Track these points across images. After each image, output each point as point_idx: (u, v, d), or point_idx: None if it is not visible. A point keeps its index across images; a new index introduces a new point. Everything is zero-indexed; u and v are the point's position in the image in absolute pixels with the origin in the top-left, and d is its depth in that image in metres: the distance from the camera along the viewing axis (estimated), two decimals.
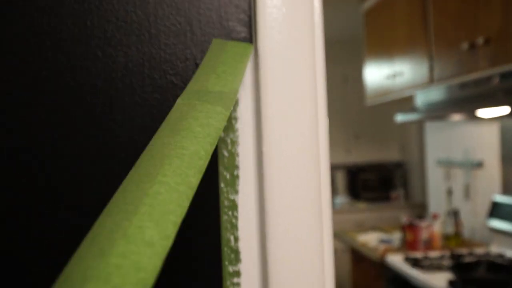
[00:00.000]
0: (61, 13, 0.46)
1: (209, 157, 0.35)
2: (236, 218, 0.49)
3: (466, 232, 3.00)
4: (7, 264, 0.45)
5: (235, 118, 0.50)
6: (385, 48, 2.93)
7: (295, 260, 0.48)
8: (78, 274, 0.24)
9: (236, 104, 0.50)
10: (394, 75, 2.79)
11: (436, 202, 3.40)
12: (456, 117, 2.36)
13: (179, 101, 0.41)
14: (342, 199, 4.65)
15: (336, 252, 4.09)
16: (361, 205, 4.57)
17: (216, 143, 0.37)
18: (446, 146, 3.27)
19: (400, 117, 2.77)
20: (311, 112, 0.49)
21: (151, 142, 0.37)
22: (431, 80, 2.38)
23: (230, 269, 0.49)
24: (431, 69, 2.38)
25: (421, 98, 2.70)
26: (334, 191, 4.81)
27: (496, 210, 2.63)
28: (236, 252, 0.49)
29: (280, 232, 0.48)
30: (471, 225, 2.98)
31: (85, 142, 0.46)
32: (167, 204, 0.29)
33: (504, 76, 1.96)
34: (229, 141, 0.49)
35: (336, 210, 4.44)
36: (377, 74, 3.05)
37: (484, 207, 2.85)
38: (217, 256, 0.49)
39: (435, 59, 2.34)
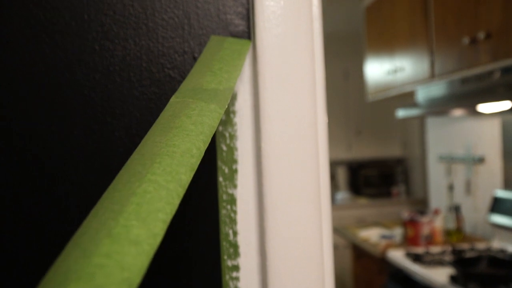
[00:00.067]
0: (58, 7, 0.46)
1: (202, 154, 0.35)
2: (235, 212, 0.49)
3: (467, 228, 3.00)
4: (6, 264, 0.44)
5: (234, 112, 0.49)
6: (386, 43, 2.92)
7: (294, 254, 0.48)
8: (61, 275, 0.24)
9: (234, 98, 0.49)
10: (395, 71, 2.78)
11: (438, 197, 3.40)
12: (457, 112, 2.35)
13: (172, 99, 0.41)
14: (343, 195, 4.65)
15: (337, 248, 4.09)
16: (363, 201, 4.57)
17: (209, 140, 0.37)
18: (447, 141, 3.26)
19: (401, 113, 2.77)
20: (310, 105, 0.49)
21: (142, 141, 0.37)
22: (432, 75, 2.37)
23: (229, 263, 0.49)
24: (432, 64, 2.37)
25: (422, 94, 2.69)
26: (335, 187, 4.81)
27: (498, 206, 2.63)
28: (235, 246, 0.49)
29: (279, 226, 0.48)
30: (473, 220, 2.97)
31: (83, 135, 0.46)
32: (156, 202, 0.29)
33: (505, 70, 1.96)
34: (227, 135, 0.49)
35: (337, 206, 4.44)
36: (378, 70, 3.05)
37: (486, 203, 2.84)
38: (216, 250, 0.49)
39: (436, 54, 2.33)
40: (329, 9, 3.85)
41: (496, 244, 2.65)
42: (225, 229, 0.49)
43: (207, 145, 0.37)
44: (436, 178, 3.42)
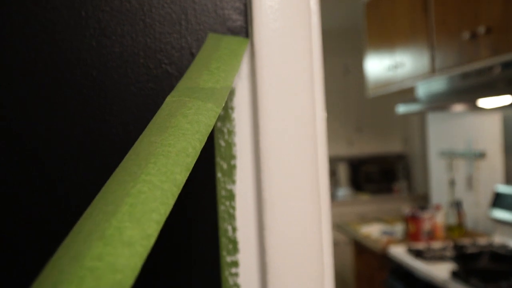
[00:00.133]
0: (56, 4, 0.46)
1: (198, 154, 0.35)
2: (234, 208, 0.49)
3: (468, 223, 3.00)
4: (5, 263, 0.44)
5: (232, 108, 0.49)
6: (386, 39, 2.91)
7: (293, 249, 0.48)
8: (51, 278, 0.24)
9: (232, 93, 0.49)
10: (395, 66, 2.78)
11: (439, 193, 3.40)
12: (458, 107, 2.34)
13: (169, 98, 0.41)
14: (344, 191, 4.65)
15: (338, 244, 4.09)
16: (364, 197, 4.57)
17: (205, 139, 0.37)
18: (448, 137, 3.26)
19: (401, 108, 2.76)
20: (308, 100, 0.49)
21: (138, 140, 0.36)
22: (433, 71, 2.36)
23: (228, 259, 0.49)
24: (433, 60, 2.36)
25: (423, 89, 2.68)
26: (336, 184, 4.81)
27: (499, 201, 2.63)
28: (234, 242, 0.49)
29: (278, 222, 0.47)
30: (474, 215, 2.97)
31: (81, 132, 0.46)
32: (150, 202, 0.29)
33: (505, 65, 1.95)
34: (225, 130, 0.49)
35: (338, 202, 4.44)
36: (378, 65, 3.04)
37: (487, 198, 2.84)
38: (215, 247, 0.49)
39: (436, 49, 2.33)
40: (329, 5, 3.84)
41: (498, 239, 2.65)
42: (224, 225, 0.49)
43: (203, 144, 0.36)
44: (437, 173, 3.42)
